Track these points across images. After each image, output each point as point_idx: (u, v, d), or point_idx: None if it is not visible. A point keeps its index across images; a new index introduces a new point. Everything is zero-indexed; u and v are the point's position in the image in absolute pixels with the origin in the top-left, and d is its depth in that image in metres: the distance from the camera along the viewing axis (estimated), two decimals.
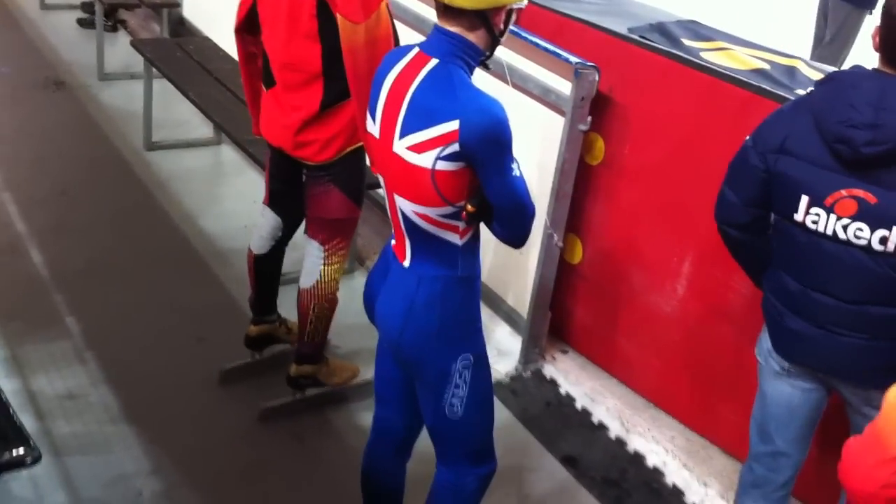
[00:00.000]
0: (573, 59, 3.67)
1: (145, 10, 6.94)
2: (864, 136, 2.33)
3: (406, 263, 2.56)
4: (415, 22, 4.27)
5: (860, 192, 2.39)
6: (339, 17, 3.13)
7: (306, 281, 3.55)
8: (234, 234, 4.75)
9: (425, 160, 2.36)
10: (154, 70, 5.51)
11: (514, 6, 2.42)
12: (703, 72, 3.48)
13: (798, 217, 2.50)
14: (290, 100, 3.35)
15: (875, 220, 2.38)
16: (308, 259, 3.55)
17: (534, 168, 3.87)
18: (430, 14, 2.46)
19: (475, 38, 2.40)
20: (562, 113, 3.76)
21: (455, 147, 2.32)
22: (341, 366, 3.82)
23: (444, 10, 2.38)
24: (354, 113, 3.24)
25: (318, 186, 3.44)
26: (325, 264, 3.52)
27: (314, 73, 3.27)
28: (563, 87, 3.75)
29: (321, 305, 3.56)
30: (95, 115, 6.00)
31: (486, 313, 4.17)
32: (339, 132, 3.33)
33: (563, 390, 3.98)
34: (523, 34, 3.83)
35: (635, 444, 3.74)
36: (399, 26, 4.36)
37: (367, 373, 3.67)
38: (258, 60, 3.54)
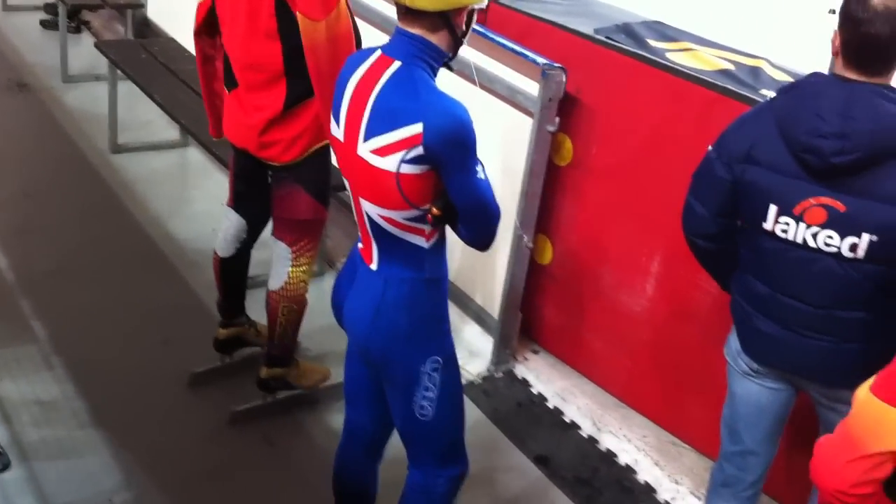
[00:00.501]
0: (540, 60, 3.68)
1: (109, 12, 6.88)
2: (833, 145, 2.34)
3: (373, 266, 2.56)
4: (381, 23, 4.27)
5: (829, 201, 2.40)
6: (298, 14, 3.13)
7: (274, 283, 3.54)
8: (202, 236, 4.72)
9: (389, 163, 2.36)
10: (119, 72, 5.47)
11: (476, 6, 2.42)
12: (669, 72, 3.51)
13: (767, 226, 2.50)
14: (252, 100, 3.34)
15: (845, 227, 2.39)
16: (276, 261, 3.54)
17: (502, 169, 3.88)
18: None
19: (437, 39, 2.41)
20: (530, 114, 3.78)
21: (419, 150, 2.32)
22: (311, 368, 3.81)
23: (406, 13, 2.38)
24: (318, 111, 3.25)
25: (284, 187, 3.43)
26: (292, 266, 3.51)
27: (276, 72, 3.27)
28: (531, 88, 3.77)
29: (290, 307, 3.54)
30: (60, 118, 5.95)
31: (456, 314, 4.17)
32: (303, 131, 3.33)
33: (534, 390, 4.00)
34: (490, 35, 3.84)
35: (607, 442, 3.76)
36: (366, 27, 4.37)
37: (338, 375, 3.66)
38: (216, 62, 3.54)
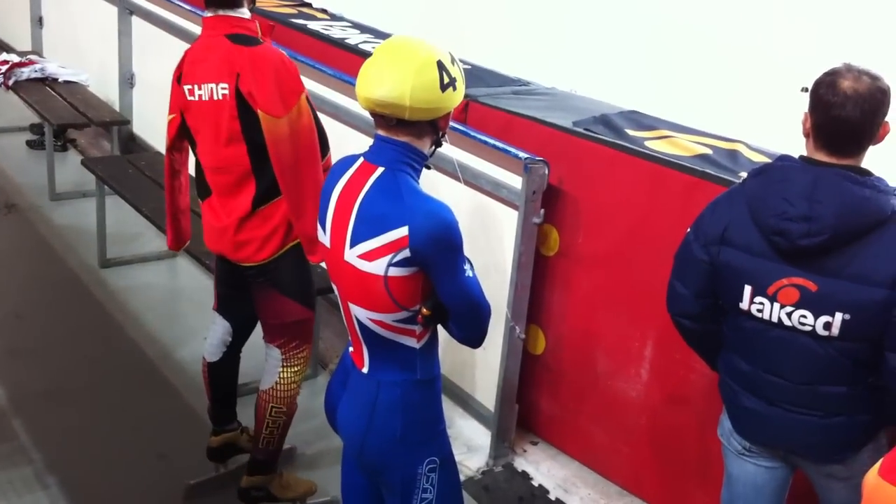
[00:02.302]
0: (522, 154, 3.75)
1: (95, 129, 6.96)
2: (800, 228, 2.39)
3: (365, 370, 2.56)
4: (365, 126, 4.34)
5: (801, 281, 2.44)
6: (260, 112, 3.23)
7: (265, 383, 3.55)
8: (193, 346, 4.70)
9: (377, 267, 2.39)
10: (106, 187, 5.52)
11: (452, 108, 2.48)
12: (649, 160, 3.57)
13: (743, 306, 2.54)
14: (224, 204, 3.42)
15: (817, 306, 2.43)
16: (268, 362, 3.56)
17: (491, 262, 3.91)
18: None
19: (421, 143, 2.46)
20: (515, 207, 3.82)
21: (406, 253, 2.36)
22: (296, 480, 3.75)
23: (396, 123, 2.42)
24: (286, 209, 3.33)
25: (262, 291, 3.48)
26: (283, 367, 3.52)
27: (244, 172, 3.35)
28: (515, 181, 3.82)
29: (278, 409, 3.53)
30: (48, 236, 5.97)
31: (453, 410, 4.16)
32: (275, 229, 3.38)
33: (535, 482, 3.95)
34: (472, 133, 3.92)
35: None
36: (351, 133, 4.45)
37: (328, 485, 3.63)
38: (181, 178, 3.64)
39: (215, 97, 3.31)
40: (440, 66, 2.39)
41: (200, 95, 3.35)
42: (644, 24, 8.55)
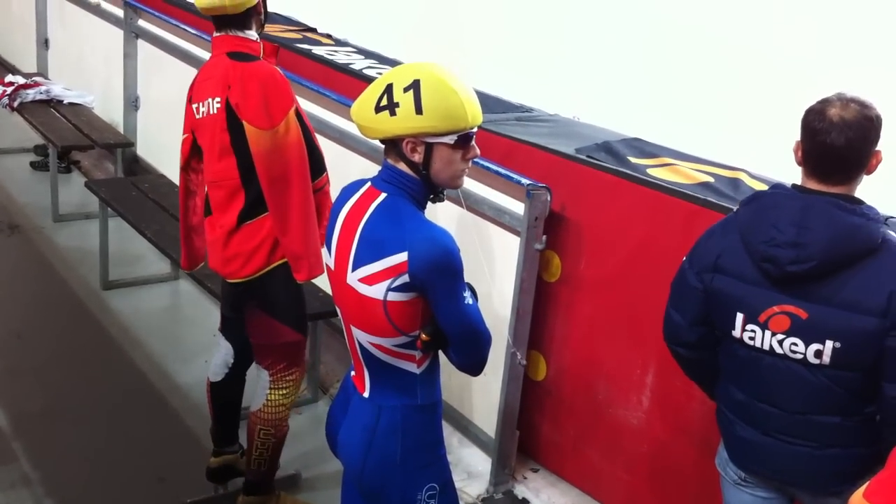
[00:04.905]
0: (525, 180, 3.76)
1: (99, 151, 6.99)
2: (788, 254, 2.40)
3: (366, 394, 2.56)
4: (369, 152, 4.36)
5: (791, 308, 2.45)
6: (245, 124, 3.30)
7: (255, 405, 3.57)
8: (194, 369, 4.71)
9: (377, 292, 2.39)
10: (109, 209, 5.53)
11: (433, 140, 2.36)
12: (651, 187, 3.58)
13: (736, 333, 2.55)
14: (219, 218, 3.47)
15: (808, 334, 2.44)
16: (259, 384, 3.58)
17: (493, 288, 3.92)
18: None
19: (405, 168, 2.42)
20: (517, 233, 3.83)
21: (405, 278, 2.36)
22: (294, 502, 3.75)
23: (385, 146, 2.44)
24: (272, 226, 3.36)
25: (251, 311, 3.50)
26: (271, 389, 3.53)
27: (234, 186, 3.39)
28: (517, 207, 3.83)
29: (267, 431, 3.53)
30: (51, 257, 5.99)
31: (453, 435, 4.15)
32: (259, 244, 3.41)
33: None
34: (475, 159, 3.92)
35: None
36: (355, 158, 4.47)
37: None
38: (196, 198, 3.67)
39: (211, 111, 3.39)
40: (388, 88, 2.34)
41: (203, 112, 3.43)
42: (649, 53, 8.59)
